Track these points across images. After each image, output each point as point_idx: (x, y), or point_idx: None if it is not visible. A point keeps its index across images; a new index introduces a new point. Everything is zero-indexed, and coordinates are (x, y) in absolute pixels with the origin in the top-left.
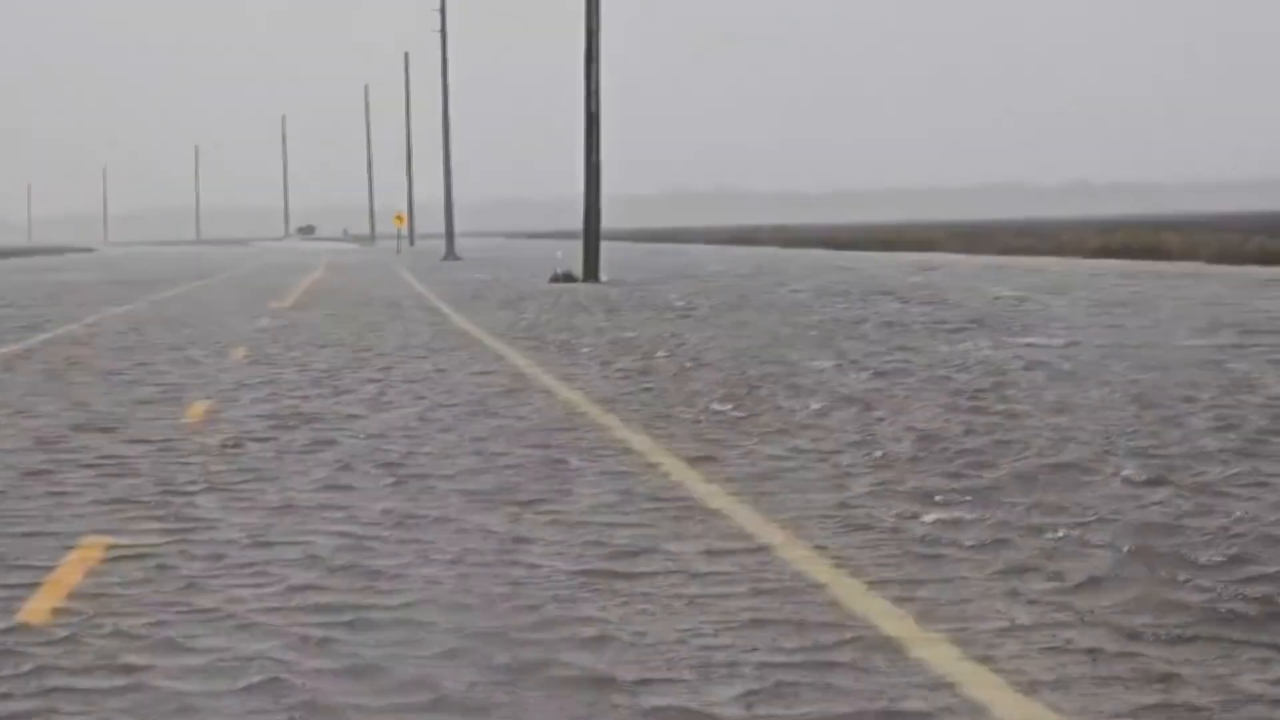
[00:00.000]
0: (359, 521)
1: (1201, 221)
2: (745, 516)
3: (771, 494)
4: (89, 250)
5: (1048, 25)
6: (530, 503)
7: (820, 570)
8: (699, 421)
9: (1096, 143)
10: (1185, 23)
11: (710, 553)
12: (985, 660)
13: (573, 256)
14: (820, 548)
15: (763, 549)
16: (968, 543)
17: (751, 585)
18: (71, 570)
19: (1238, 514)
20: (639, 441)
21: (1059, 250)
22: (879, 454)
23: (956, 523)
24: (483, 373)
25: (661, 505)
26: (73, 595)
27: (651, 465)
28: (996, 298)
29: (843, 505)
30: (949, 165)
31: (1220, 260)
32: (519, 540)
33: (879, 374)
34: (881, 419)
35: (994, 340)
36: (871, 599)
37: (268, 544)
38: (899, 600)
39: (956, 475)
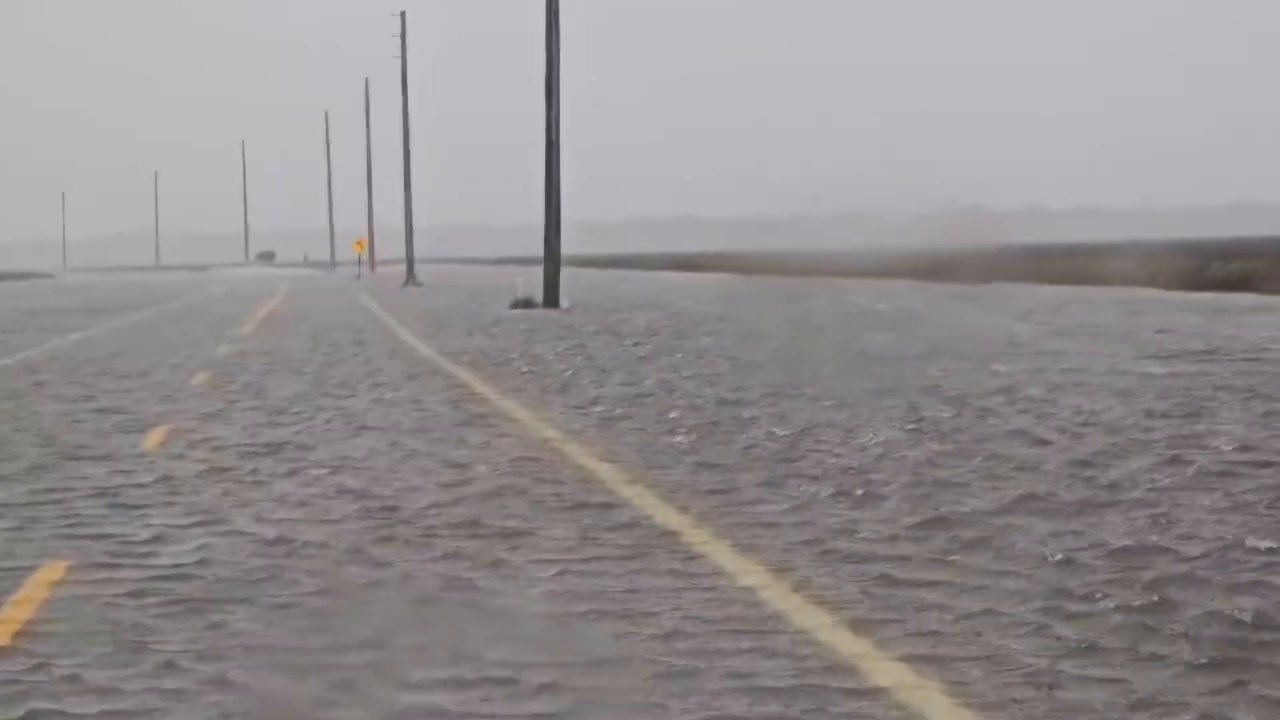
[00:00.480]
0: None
1: (1163, 247)
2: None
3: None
4: (49, 276)
5: (1005, 43)
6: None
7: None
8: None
9: (1055, 166)
10: (1128, 41)
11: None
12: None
13: (533, 282)
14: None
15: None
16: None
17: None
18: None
19: None
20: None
21: (1025, 276)
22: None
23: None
24: (442, 400)
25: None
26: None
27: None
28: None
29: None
30: (910, 190)
31: (1177, 286)
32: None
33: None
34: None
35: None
36: None
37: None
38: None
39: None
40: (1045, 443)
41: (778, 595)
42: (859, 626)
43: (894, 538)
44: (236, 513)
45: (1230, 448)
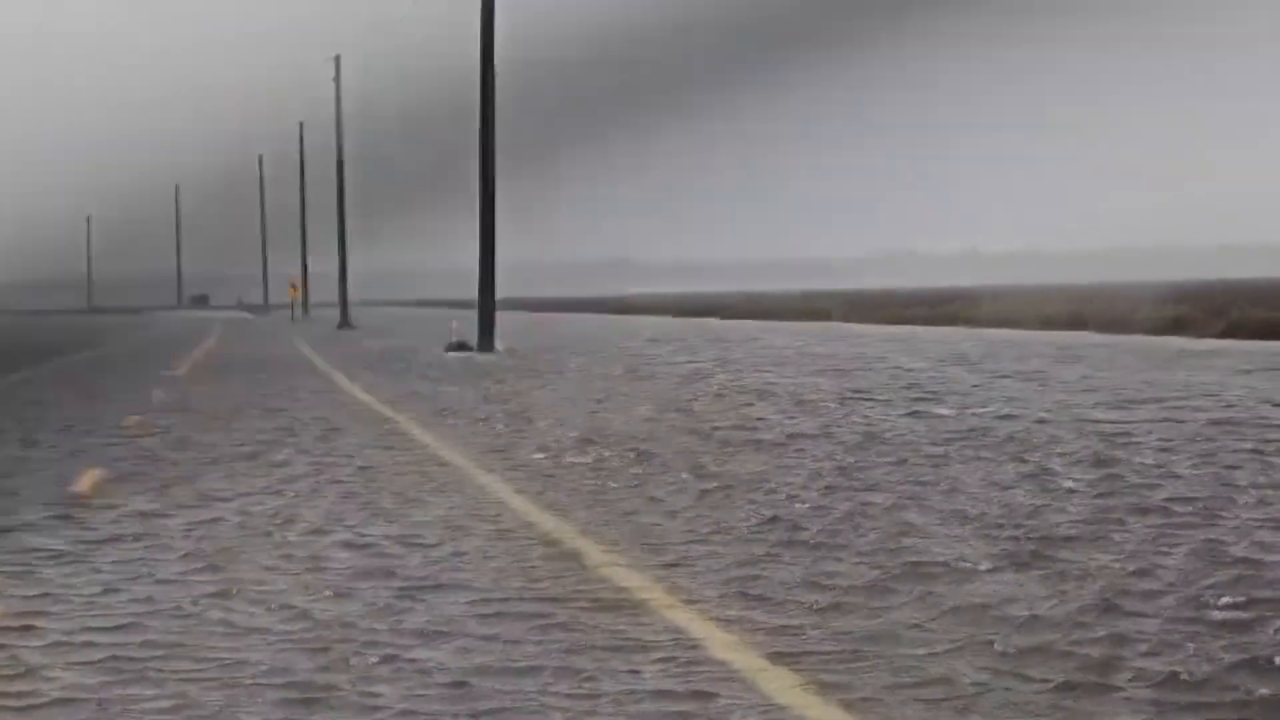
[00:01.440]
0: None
1: (1100, 289)
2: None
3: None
4: None
5: (947, 90)
6: None
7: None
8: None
9: (987, 211)
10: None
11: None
12: None
13: (468, 326)
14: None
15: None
16: None
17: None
18: None
19: None
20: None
21: (952, 319)
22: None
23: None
24: (379, 446)
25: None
26: None
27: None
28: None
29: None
30: (842, 235)
31: (1110, 329)
32: None
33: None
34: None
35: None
36: None
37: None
38: None
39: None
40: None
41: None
42: None
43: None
44: None
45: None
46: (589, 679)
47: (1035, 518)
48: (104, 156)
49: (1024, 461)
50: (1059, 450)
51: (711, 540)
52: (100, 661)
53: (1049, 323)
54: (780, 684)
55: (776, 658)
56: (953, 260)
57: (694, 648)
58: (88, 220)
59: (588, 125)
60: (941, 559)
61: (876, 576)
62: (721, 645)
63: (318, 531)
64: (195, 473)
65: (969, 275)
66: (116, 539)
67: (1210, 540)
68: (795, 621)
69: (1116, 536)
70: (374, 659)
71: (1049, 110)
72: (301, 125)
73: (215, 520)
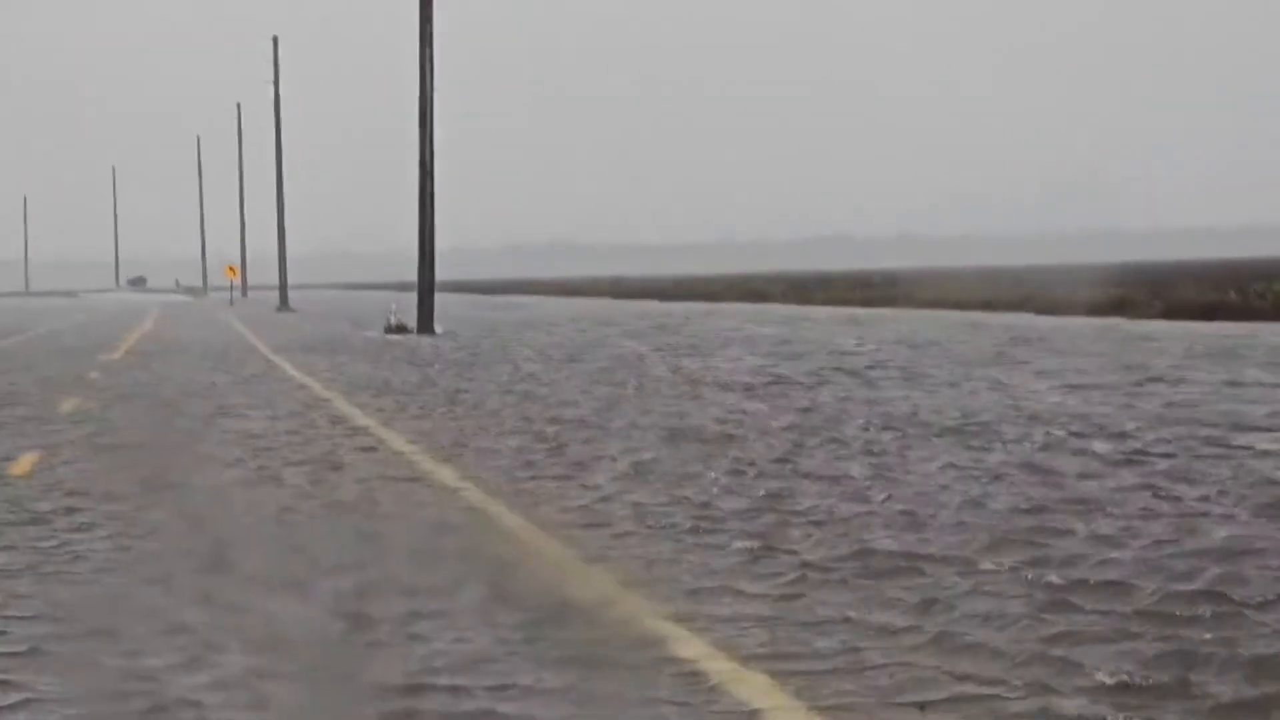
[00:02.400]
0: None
1: (1040, 273)
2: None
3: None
4: None
5: (873, 79)
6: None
7: None
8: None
9: (923, 194)
10: (1002, 80)
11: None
12: None
13: (407, 308)
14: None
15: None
16: None
17: None
18: None
19: None
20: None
21: (890, 301)
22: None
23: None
24: (320, 426)
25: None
26: None
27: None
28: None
29: None
30: (780, 217)
31: (1050, 312)
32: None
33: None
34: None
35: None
36: None
37: None
38: None
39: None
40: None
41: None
42: None
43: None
44: None
45: None
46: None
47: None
48: (41, 137)
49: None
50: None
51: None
52: None
53: (989, 305)
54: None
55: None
56: (888, 243)
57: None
58: (24, 201)
59: (527, 106)
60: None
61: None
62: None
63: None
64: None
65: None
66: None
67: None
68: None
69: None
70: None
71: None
72: (239, 106)
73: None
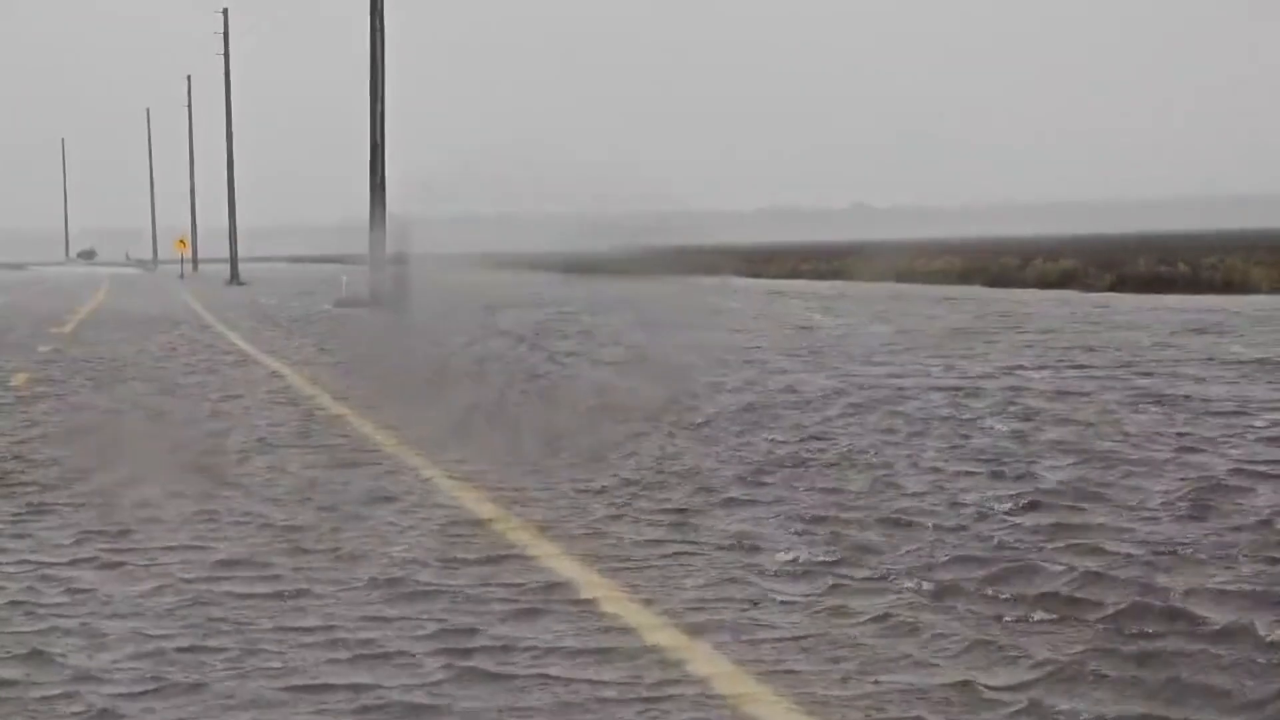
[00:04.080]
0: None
1: (985, 245)
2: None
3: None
4: None
5: (828, 53)
6: None
7: None
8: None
9: (876, 167)
10: (967, 46)
11: None
12: None
13: (359, 280)
14: None
15: None
16: None
17: None
18: None
19: None
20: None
21: (843, 274)
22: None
23: None
24: (270, 401)
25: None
26: None
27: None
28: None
29: None
30: (728, 188)
31: (997, 284)
32: None
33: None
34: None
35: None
36: None
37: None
38: None
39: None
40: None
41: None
42: None
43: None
44: None
45: None
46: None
47: None
48: None
49: None
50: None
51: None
52: None
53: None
54: None
55: None
56: (842, 214)
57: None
58: None
59: (476, 78)
60: None
61: None
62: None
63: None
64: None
65: (859, 230)
66: None
67: None
68: None
69: None
70: None
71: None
72: (189, 78)
73: None
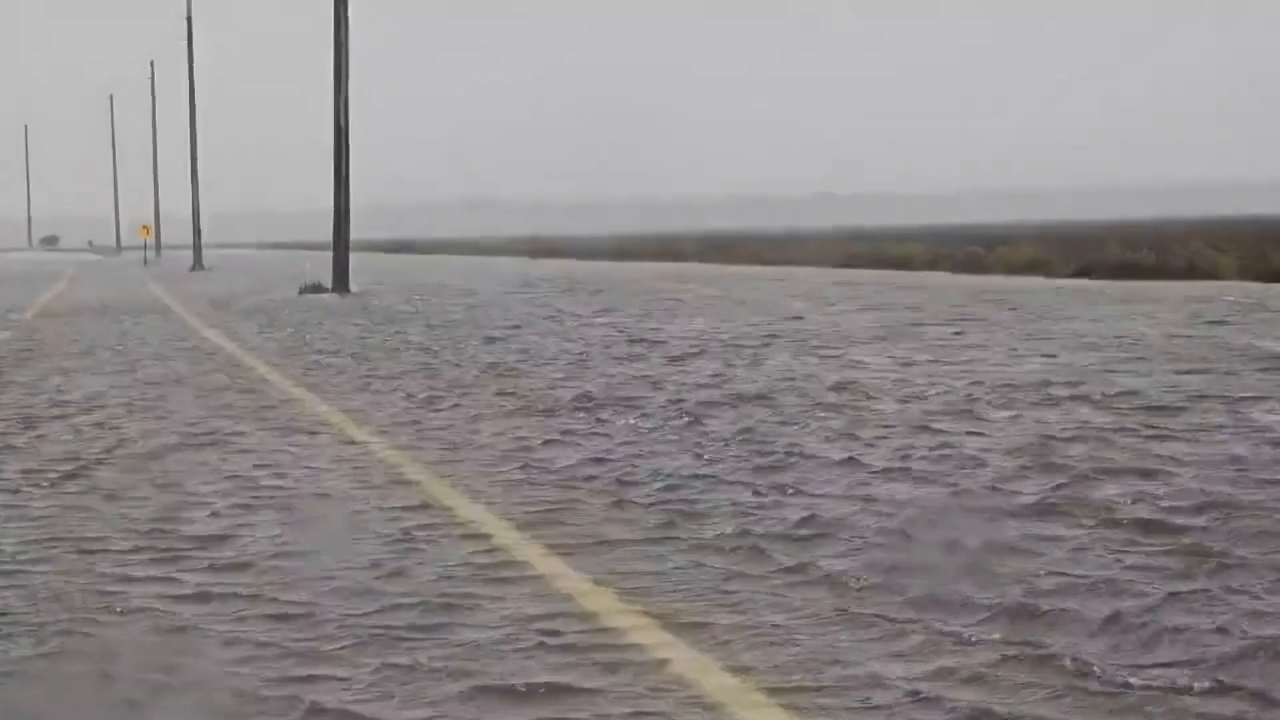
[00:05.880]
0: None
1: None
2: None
3: None
4: None
5: (796, 40)
6: None
7: None
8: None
9: (841, 154)
10: (924, 37)
11: None
12: None
13: (323, 267)
14: None
15: None
16: None
17: None
18: None
19: None
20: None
21: (808, 260)
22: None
23: None
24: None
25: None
26: None
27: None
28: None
29: None
30: (698, 176)
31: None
32: None
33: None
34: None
35: None
36: None
37: None
38: None
39: None
40: None
41: None
42: None
43: None
44: None
45: None
46: None
47: None
48: None
49: None
50: None
51: None
52: None
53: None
54: None
55: None
56: (807, 202)
57: None
58: None
59: (442, 63)
60: None
61: None
62: None
63: None
64: None
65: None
66: None
67: None
68: None
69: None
70: None
71: None
72: (152, 64)
73: None
